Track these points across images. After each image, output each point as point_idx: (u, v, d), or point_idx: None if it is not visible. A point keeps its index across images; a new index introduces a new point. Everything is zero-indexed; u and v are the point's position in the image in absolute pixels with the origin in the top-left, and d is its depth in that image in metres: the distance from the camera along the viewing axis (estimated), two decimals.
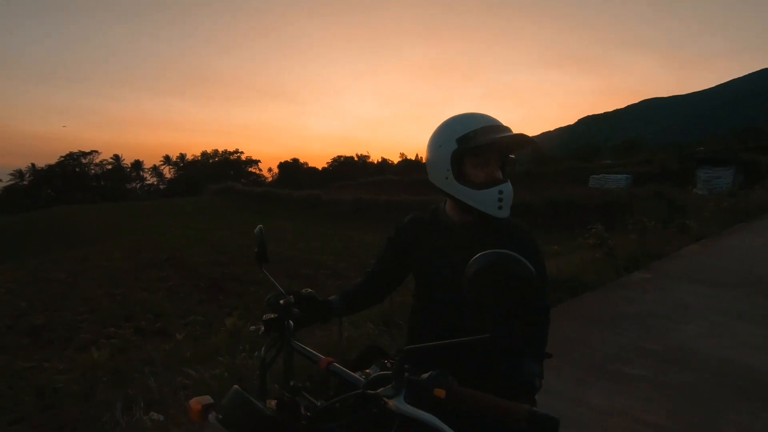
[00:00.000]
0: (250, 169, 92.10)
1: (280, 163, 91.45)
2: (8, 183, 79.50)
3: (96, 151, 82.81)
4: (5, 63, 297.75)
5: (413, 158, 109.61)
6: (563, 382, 2.88)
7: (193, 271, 11.82)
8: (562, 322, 4.01)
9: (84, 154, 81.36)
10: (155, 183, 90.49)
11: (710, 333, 3.73)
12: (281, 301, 1.16)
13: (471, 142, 1.19)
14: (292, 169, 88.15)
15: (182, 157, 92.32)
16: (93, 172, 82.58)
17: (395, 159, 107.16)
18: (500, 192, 1.20)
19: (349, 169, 79.68)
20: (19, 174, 79.79)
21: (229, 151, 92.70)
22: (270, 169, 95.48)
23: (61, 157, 79.83)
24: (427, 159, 1.29)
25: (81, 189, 71.74)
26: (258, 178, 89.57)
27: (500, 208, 1.21)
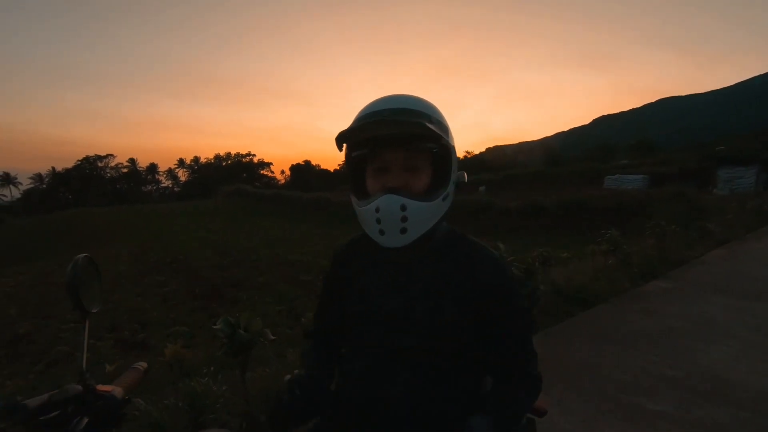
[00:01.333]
0: (262, 172, 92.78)
1: (292, 165, 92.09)
2: (28, 186, 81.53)
3: (111, 155, 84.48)
4: (24, 68, 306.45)
5: None
6: (570, 421, 2.44)
7: (194, 275, 11.59)
8: (571, 342, 3.56)
9: (100, 158, 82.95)
10: (170, 186, 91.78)
11: (744, 356, 3.23)
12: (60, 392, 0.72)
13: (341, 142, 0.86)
14: (303, 171, 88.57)
15: (196, 160, 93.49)
16: (109, 175, 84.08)
17: None
18: (376, 209, 0.80)
19: None
20: (38, 177, 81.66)
21: (242, 154, 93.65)
22: (282, 172, 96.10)
23: (78, 160, 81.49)
24: None
25: (97, 192, 72.97)
26: (270, 181, 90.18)
27: (382, 233, 0.81)
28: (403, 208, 0.79)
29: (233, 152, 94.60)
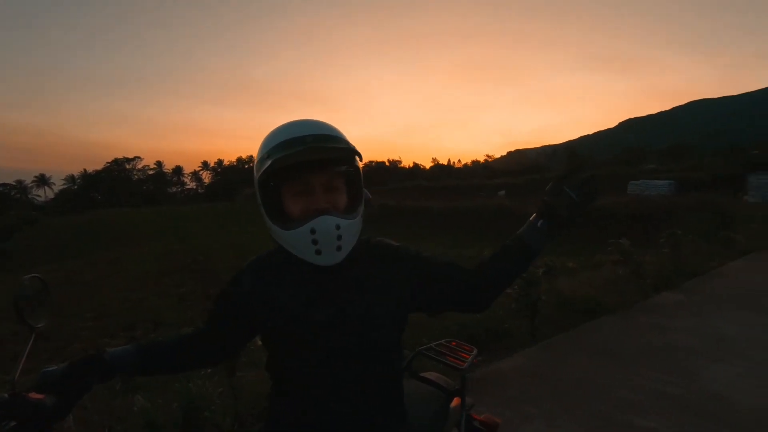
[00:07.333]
0: None
1: None
2: (62, 186, 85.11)
3: (138, 157, 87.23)
4: (58, 74, 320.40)
5: (445, 163, 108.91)
6: None
7: (211, 276, 11.83)
8: (573, 356, 3.51)
9: (128, 160, 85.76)
10: (195, 188, 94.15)
11: (750, 375, 3.11)
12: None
13: (262, 166, 0.87)
14: None
15: (219, 162, 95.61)
16: (136, 177, 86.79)
17: (427, 164, 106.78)
18: (312, 231, 0.84)
19: (381, 174, 79.84)
20: (71, 178, 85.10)
21: None
22: None
23: (107, 162, 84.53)
24: None
25: (125, 193, 75.42)
26: None
27: (319, 253, 0.86)
28: (338, 227, 0.85)
29: (255, 155, 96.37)
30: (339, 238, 0.85)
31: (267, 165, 0.85)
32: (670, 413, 2.63)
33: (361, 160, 0.94)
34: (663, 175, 26.51)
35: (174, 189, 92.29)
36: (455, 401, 1.27)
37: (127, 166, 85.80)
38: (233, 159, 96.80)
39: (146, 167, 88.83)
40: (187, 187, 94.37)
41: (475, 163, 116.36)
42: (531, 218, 1.06)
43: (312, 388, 0.94)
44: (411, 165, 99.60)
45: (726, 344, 3.68)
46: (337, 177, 0.90)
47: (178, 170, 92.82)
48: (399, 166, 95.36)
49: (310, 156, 0.85)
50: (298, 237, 0.86)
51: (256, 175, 0.89)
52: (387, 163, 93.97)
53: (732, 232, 8.42)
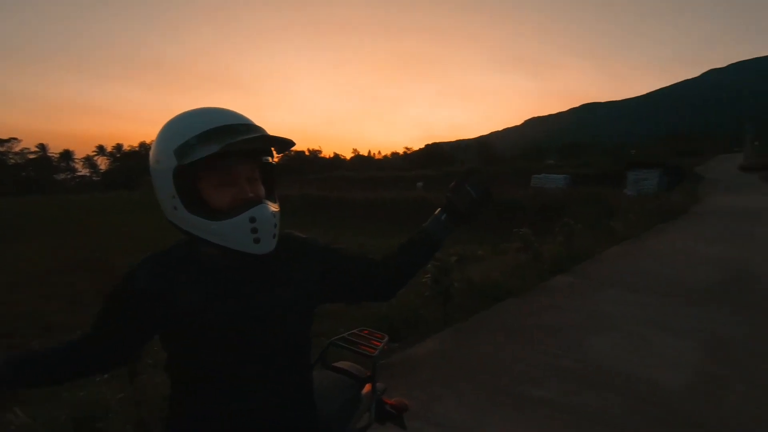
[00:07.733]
0: None
1: None
2: None
3: (15, 139, 75.53)
4: None
5: (366, 154, 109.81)
6: (461, 411, 2.60)
7: (108, 274, 10.74)
8: (480, 337, 3.78)
9: (1, 142, 73.84)
10: (89, 174, 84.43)
11: (623, 346, 3.61)
12: None
13: (191, 153, 0.81)
14: None
15: (119, 147, 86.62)
16: (12, 161, 75.23)
17: (348, 154, 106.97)
18: (251, 219, 0.83)
19: (301, 164, 78.31)
20: None
21: None
22: None
23: None
24: (153, 181, 0.88)
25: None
26: None
27: (258, 241, 0.85)
28: (274, 215, 0.87)
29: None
30: (275, 225, 0.87)
31: (209, 152, 0.80)
32: (561, 383, 2.97)
33: (285, 150, 0.93)
34: (560, 170, 29.44)
35: (63, 176, 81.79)
36: (367, 388, 1.32)
37: (0, 149, 74.01)
38: (135, 144, 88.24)
39: (25, 150, 77.40)
40: (79, 173, 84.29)
41: (395, 155, 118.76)
42: (435, 212, 1.13)
43: (219, 385, 0.91)
44: (332, 155, 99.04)
45: (605, 319, 4.21)
46: (256, 167, 0.90)
47: (67, 155, 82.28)
48: (320, 156, 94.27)
49: (260, 144, 0.87)
50: (235, 226, 0.83)
51: (179, 161, 0.82)
52: (307, 153, 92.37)
53: (613, 222, 9.62)
